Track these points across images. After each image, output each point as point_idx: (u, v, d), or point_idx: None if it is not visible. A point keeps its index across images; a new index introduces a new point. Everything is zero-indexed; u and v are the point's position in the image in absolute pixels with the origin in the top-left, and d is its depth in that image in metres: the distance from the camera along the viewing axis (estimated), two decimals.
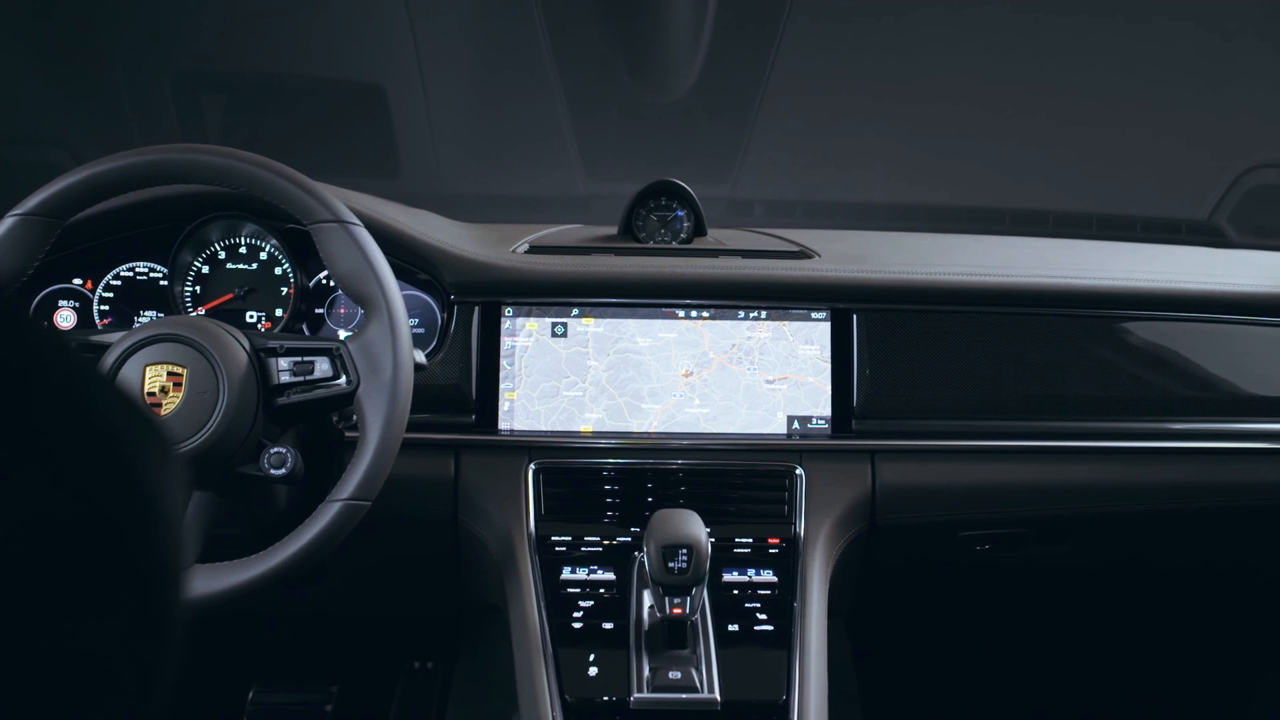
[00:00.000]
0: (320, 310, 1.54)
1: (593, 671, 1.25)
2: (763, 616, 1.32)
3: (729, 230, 1.70)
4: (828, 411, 1.49)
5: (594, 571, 1.36)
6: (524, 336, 1.48)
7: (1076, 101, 2.29)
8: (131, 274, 1.52)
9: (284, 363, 1.21)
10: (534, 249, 1.55)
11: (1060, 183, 2.33)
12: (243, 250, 1.53)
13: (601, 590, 1.34)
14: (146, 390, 1.15)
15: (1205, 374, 1.56)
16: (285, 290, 1.52)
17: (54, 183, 1.21)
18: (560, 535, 1.39)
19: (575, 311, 1.49)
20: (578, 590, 1.34)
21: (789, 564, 1.38)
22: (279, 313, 1.52)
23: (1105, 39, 2.25)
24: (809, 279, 1.50)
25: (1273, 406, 1.56)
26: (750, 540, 1.40)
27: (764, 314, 1.49)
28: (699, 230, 1.64)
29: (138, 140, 1.36)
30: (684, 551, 1.21)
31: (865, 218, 2.34)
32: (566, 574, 1.36)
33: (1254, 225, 2.20)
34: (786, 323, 1.49)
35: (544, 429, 1.47)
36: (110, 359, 1.16)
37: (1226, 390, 1.56)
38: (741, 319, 1.49)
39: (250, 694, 1.92)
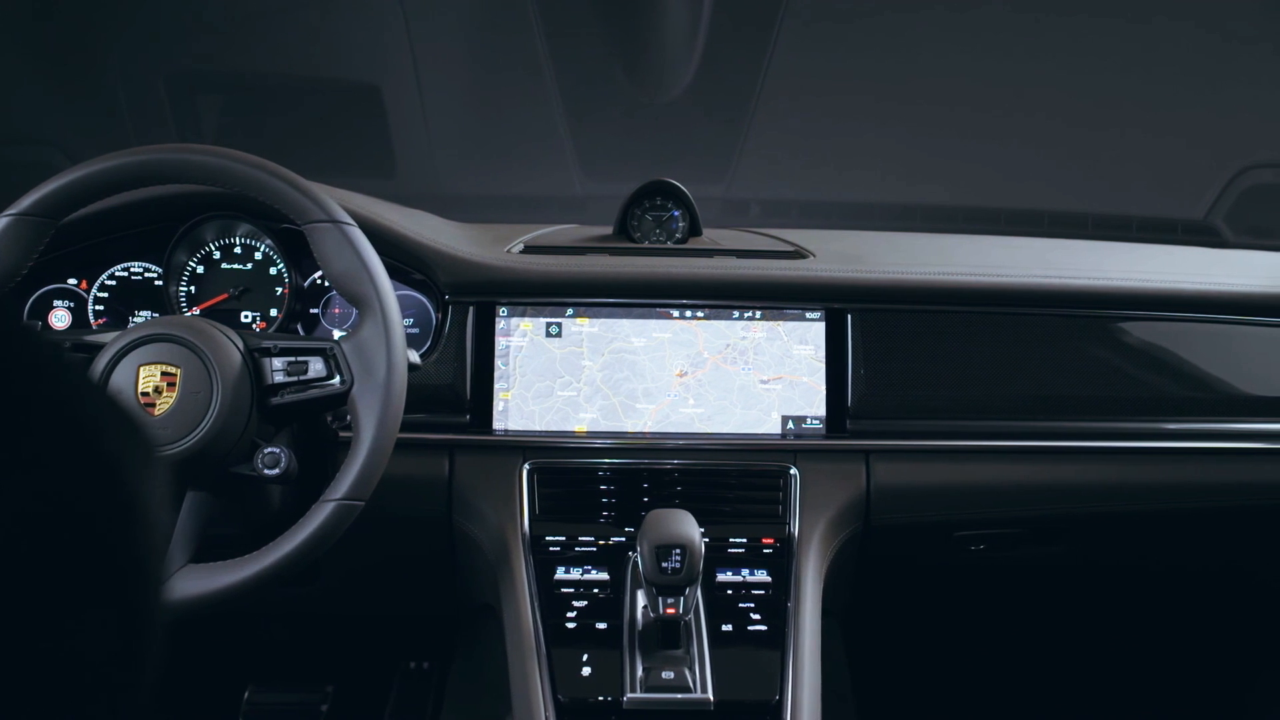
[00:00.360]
0: (315, 310, 1.54)
1: (586, 671, 1.25)
2: (756, 616, 1.32)
3: (724, 230, 1.70)
4: (822, 411, 1.49)
5: (588, 571, 1.36)
6: (518, 336, 1.48)
7: (1073, 101, 2.29)
8: (126, 274, 1.52)
9: (278, 363, 1.21)
10: (529, 249, 1.55)
11: (1056, 182, 2.33)
12: (237, 250, 1.53)
13: (595, 590, 1.34)
14: (140, 390, 1.15)
15: (1201, 374, 1.56)
16: (280, 290, 1.52)
17: (48, 182, 1.21)
18: (554, 535, 1.39)
19: (570, 311, 1.49)
20: (572, 590, 1.34)
21: (783, 564, 1.38)
22: (274, 313, 1.52)
23: (1101, 39, 2.25)
24: (803, 279, 1.50)
25: (1268, 406, 1.56)
26: (744, 540, 1.40)
27: (759, 314, 1.49)
28: (694, 230, 1.64)
29: (134, 140, 1.36)
30: (677, 551, 1.21)
31: (861, 218, 2.35)
32: (560, 574, 1.36)
33: (1250, 225, 2.21)
34: (781, 323, 1.49)
35: (538, 429, 1.47)
36: (104, 359, 1.16)
37: (1222, 390, 1.56)
38: (736, 319, 1.49)
39: (246, 694, 1.92)
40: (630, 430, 1.47)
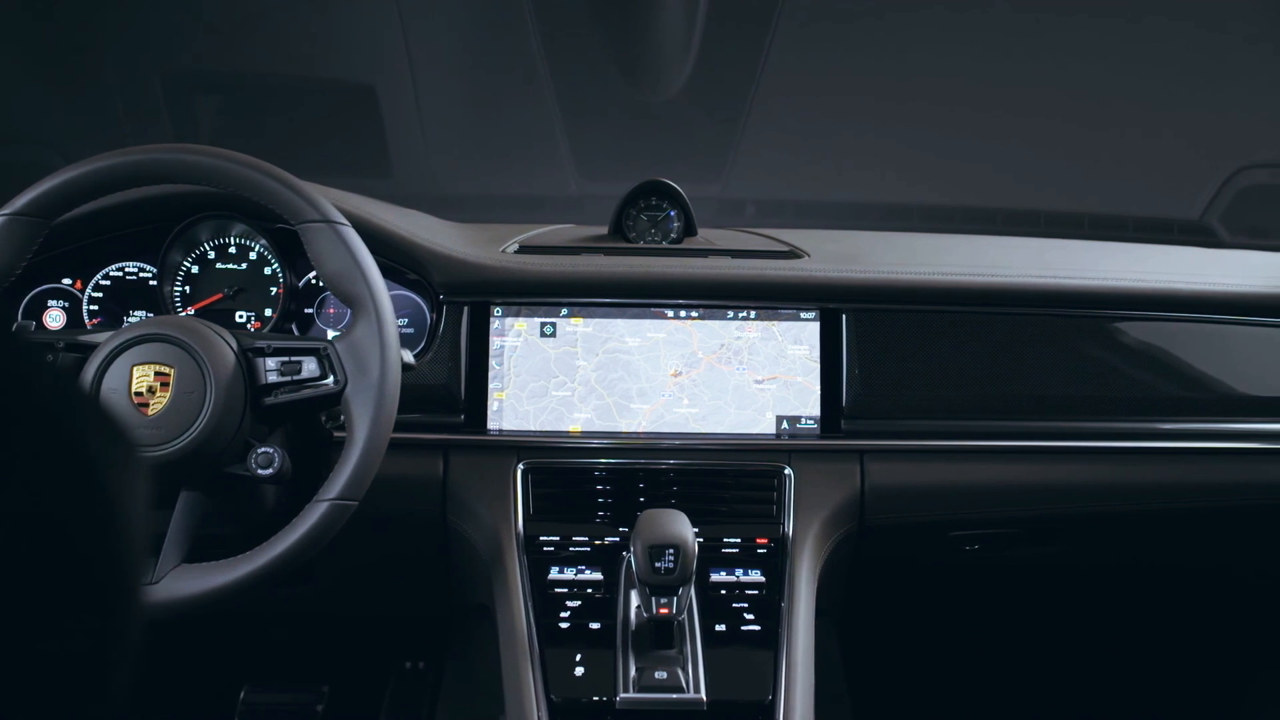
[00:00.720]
0: (310, 310, 1.54)
1: (579, 672, 1.25)
2: (750, 617, 1.32)
3: (720, 230, 1.70)
4: (817, 411, 1.49)
5: (582, 571, 1.36)
6: (513, 336, 1.48)
7: (1069, 102, 2.29)
8: (121, 274, 1.52)
9: (271, 362, 1.21)
10: (524, 249, 1.55)
11: (1053, 182, 2.33)
12: (232, 250, 1.53)
13: (589, 590, 1.34)
14: (134, 390, 1.15)
15: (1196, 374, 1.56)
16: (275, 290, 1.52)
17: (42, 182, 1.21)
18: (548, 535, 1.39)
19: (564, 311, 1.49)
20: (565, 590, 1.34)
21: (777, 564, 1.38)
22: (268, 312, 1.52)
23: (1097, 40, 2.25)
24: (798, 279, 1.50)
25: (1263, 406, 1.56)
26: (738, 540, 1.40)
27: (753, 314, 1.49)
28: (689, 230, 1.64)
29: (129, 141, 1.36)
30: (670, 551, 1.21)
31: (857, 217, 2.35)
32: (554, 574, 1.36)
33: (1245, 225, 2.21)
34: (776, 323, 1.49)
35: (533, 429, 1.47)
36: (97, 359, 1.16)
37: (1217, 390, 1.56)
38: (730, 319, 1.49)
39: (241, 694, 1.92)
40: (625, 430, 1.47)
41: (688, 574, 1.22)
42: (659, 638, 1.25)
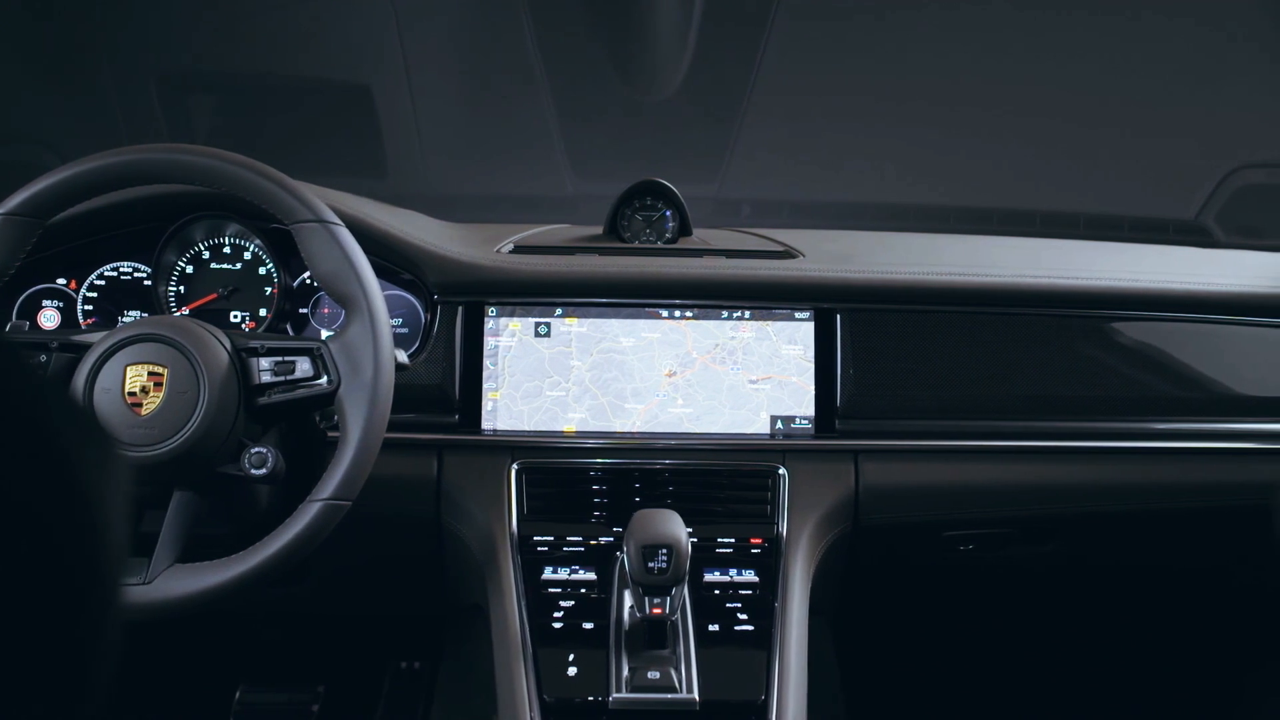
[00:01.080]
0: (304, 310, 1.54)
1: (572, 671, 1.25)
2: (743, 616, 1.32)
3: (715, 230, 1.70)
4: (811, 411, 1.49)
5: (575, 571, 1.36)
6: (507, 336, 1.48)
7: (1065, 102, 2.29)
8: (115, 274, 1.52)
9: (265, 362, 1.21)
10: (518, 249, 1.55)
11: (1048, 182, 2.33)
12: (227, 250, 1.53)
13: (583, 590, 1.34)
14: (127, 390, 1.15)
15: (1191, 374, 1.56)
16: (269, 290, 1.52)
17: (36, 182, 1.21)
18: (542, 535, 1.39)
19: (558, 311, 1.49)
20: (559, 590, 1.34)
21: (771, 564, 1.38)
22: (263, 312, 1.52)
23: (1093, 39, 2.25)
24: (792, 279, 1.50)
25: (1258, 406, 1.56)
26: (732, 540, 1.40)
27: (747, 314, 1.49)
28: (684, 230, 1.64)
29: (125, 141, 1.36)
30: (664, 551, 1.21)
31: (853, 217, 2.35)
32: (548, 574, 1.36)
33: (1241, 225, 2.21)
34: (770, 323, 1.50)
35: (527, 429, 1.47)
36: (91, 359, 1.16)
37: (1212, 390, 1.56)
38: (725, 319, 1.50)
39: (237, 694, 1.92)
40: (619, 430, 1.47)
41: (681, 574, 1.22)
42: (652, 638, 1.26)
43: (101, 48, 2.25)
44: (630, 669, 1.23)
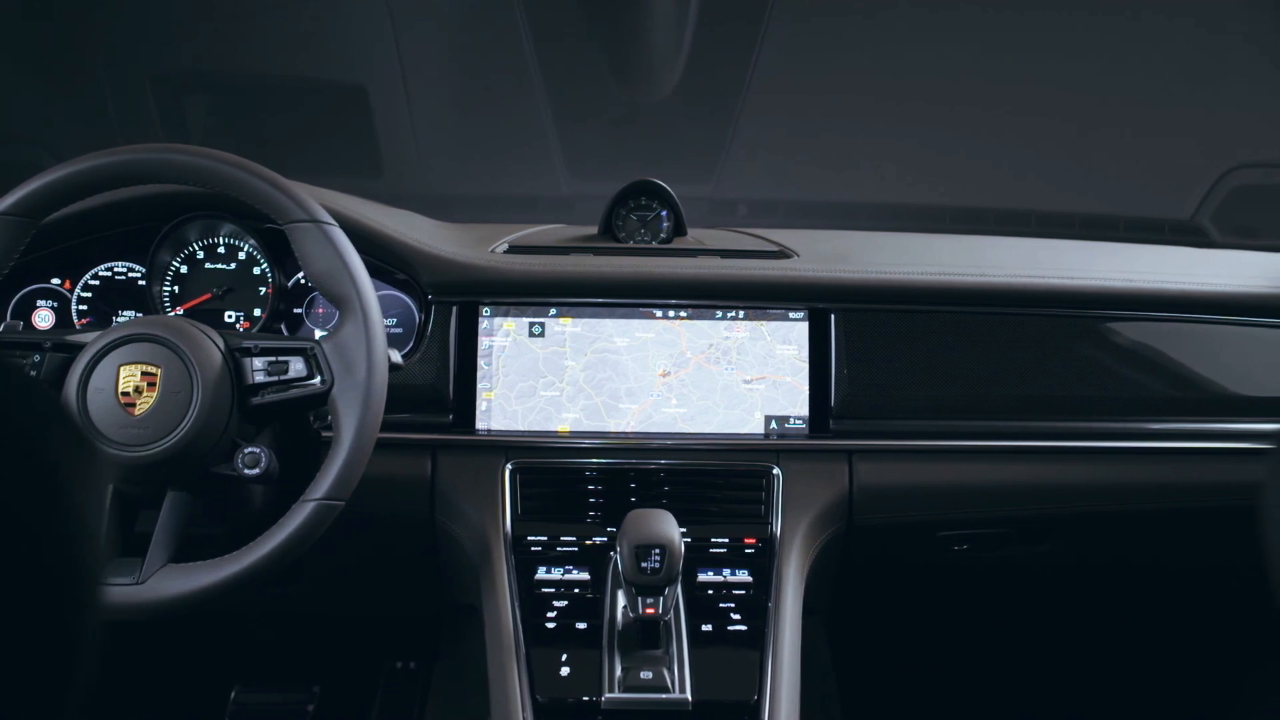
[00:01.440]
0: (299, 310, 1.54)
1: (565, 671, 1.25)
2: (737, 617, 1.32)
3: (710, 230, 1.70)
4: (805, 411, 1.49)
5: (569, 571, 1.36)
6: (501, 336, 1.48)
7: (1061, 102, 2.29)
8: (110, 274, 1.52)
9: (258, 362, 1.21)
10: (513, 249, 1.55)
11: (1044, 181, 2.33)
12: (221, 250, 1.53)
13: (576, 590, 1.34)
14: (121, 390, 1.15)
15: (1187, 373, 1.56)
16: (264, 290, 1.52)
17: (29, 182, 1.21)
18: (536, 535, 1.39)
19: (553, 311, 1.49)
20: (552, 590, 1.34)
21: (764, 564, 1.38)
22: (257, 312, 1.52)
23: (1089, 40, 2.25)
24: (786, 279, 1.50)
25: (1253, 406, 1.56)
26: (726, 540, 1.40)
27: (742, 314, 1.49)
28: (679, 230, 1.64)
29: (120, 141, 1.35)
30: (656, 551, 1.21)
31: (849, 217, 2.35)
32: (541, 574, 1.36)
33: (1236, 225, 2.21)
34: (764, 323, 1.50)
35: (521, 429, 1.47)
36: (84, 359, 1.16)
37: (1208, 390, 1.56)
38: (719, 319, 1.50)
39: (232, 694, 1.92)
40: (613, 430, 1.47)
41: (674, 574, 1.22)
42: (645, 638, 1.26)
43: (97, 48, 2.25)
44: (623, 669, 1.23)
